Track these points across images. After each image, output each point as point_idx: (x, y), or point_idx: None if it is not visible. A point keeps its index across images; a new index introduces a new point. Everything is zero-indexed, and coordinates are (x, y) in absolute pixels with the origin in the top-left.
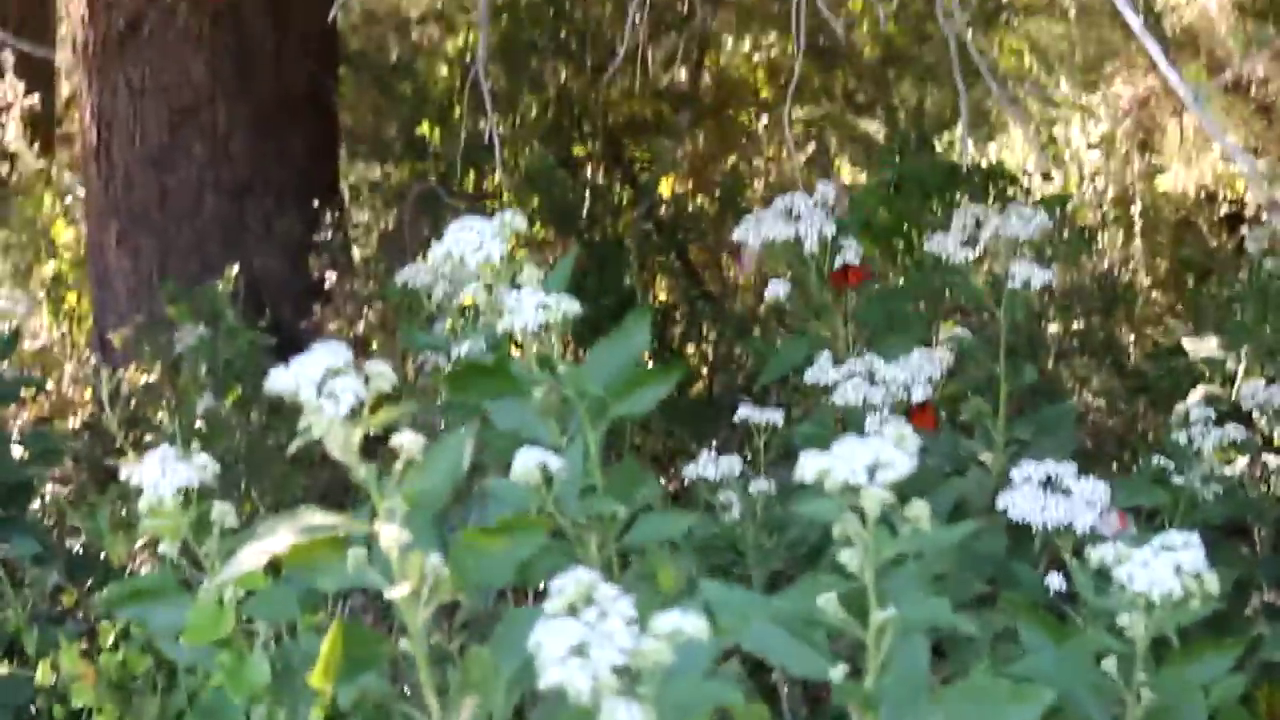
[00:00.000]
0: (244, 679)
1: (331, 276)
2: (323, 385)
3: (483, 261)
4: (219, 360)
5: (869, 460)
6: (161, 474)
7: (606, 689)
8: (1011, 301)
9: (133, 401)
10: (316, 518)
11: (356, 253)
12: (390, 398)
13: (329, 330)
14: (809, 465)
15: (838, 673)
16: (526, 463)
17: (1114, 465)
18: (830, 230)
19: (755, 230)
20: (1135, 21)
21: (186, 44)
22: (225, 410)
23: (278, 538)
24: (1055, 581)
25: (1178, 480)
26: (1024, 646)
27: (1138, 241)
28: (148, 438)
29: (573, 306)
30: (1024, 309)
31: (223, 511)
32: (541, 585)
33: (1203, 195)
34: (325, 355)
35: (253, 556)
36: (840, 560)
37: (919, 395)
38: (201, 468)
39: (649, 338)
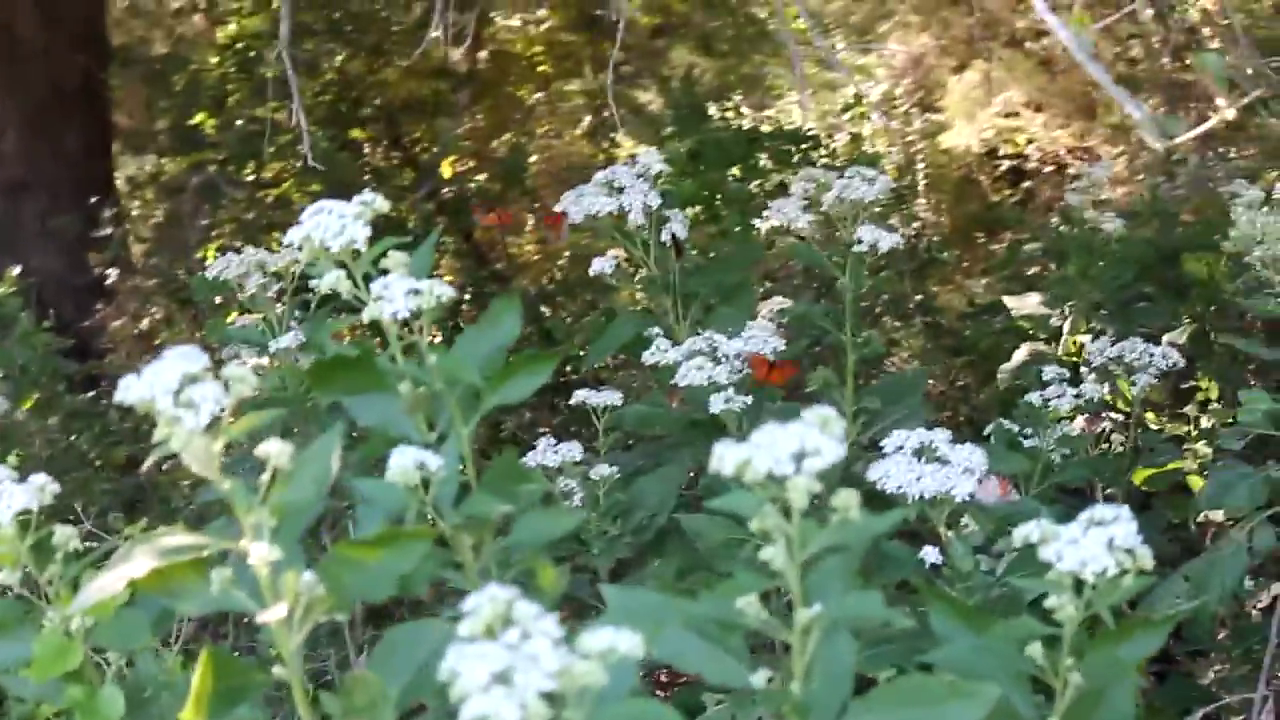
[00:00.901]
0: (97, 713)
1: (112, 273)
2: (179, 394)
3: (345, 246)
4: (13, 365)
5: (794, 448)
6: None
7: (535, 718)
8: (857, 266)
9: None
10: (178, 538)
11: (136, 248)
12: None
13: (113, 328)
14: (727, 457)
15: (759, 679)
16: (403, 462)
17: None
18: (655, 201)
19: (577, 203)
20: None
21: None
22: (21, 416)
23: (136, 562)
24: (930, 555)
25: (1029, 443)
26: (938, 637)
27: (923, 201)
28: None
29: (446, 291)
30: (865, 275)
31: (65, 536)
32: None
33: (984, 151)
34: (181, 361)
35: (111, 583)
36: (763, 558)
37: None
38: (39, 489)
39: (519, 323)
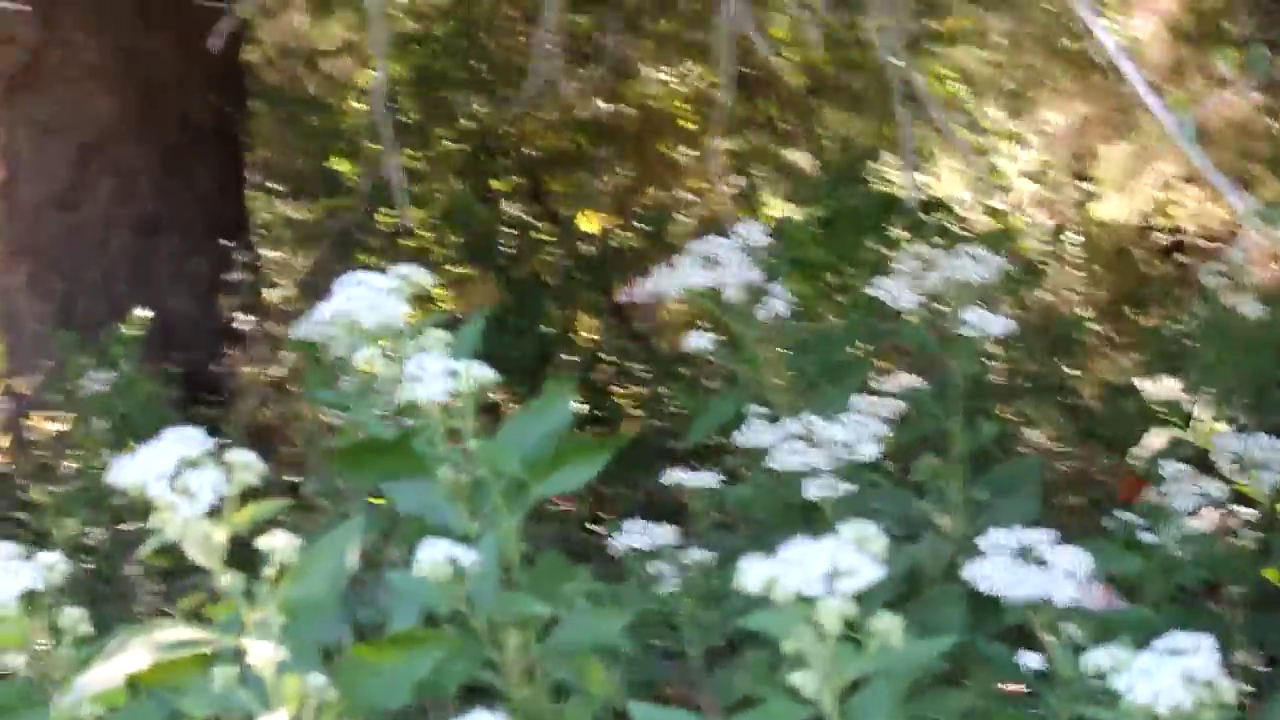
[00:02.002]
0: None
1: (244, 318)
2: (176, 479)
3: (379, 323)
4: (115, 412)
5: (825, 566)
6: (2, 575)
7: None
8: (965, 349)
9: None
10: (176, 631)
11: (271, 294)
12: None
13: (242, 375)
14: (752, 573)
15: None
16: (433, 556)
17: (1069, 517)
18: (756, 277)
19: (670, 278)
20: (1111, 44)
21: (91, 80)
22: None
23: (132, 655)
24: (1030, 660)
25: (1148, 538)
26: None
27: (1073, 273)
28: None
29: (485, 374)
30: (976, 358)
31: (73, 619)
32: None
33: (1140, 224)
34: (178, 444)
35: (104, 675)
36: (793, 682)
37: (866, 454)
38: (48, 568)
39: (570, 410)
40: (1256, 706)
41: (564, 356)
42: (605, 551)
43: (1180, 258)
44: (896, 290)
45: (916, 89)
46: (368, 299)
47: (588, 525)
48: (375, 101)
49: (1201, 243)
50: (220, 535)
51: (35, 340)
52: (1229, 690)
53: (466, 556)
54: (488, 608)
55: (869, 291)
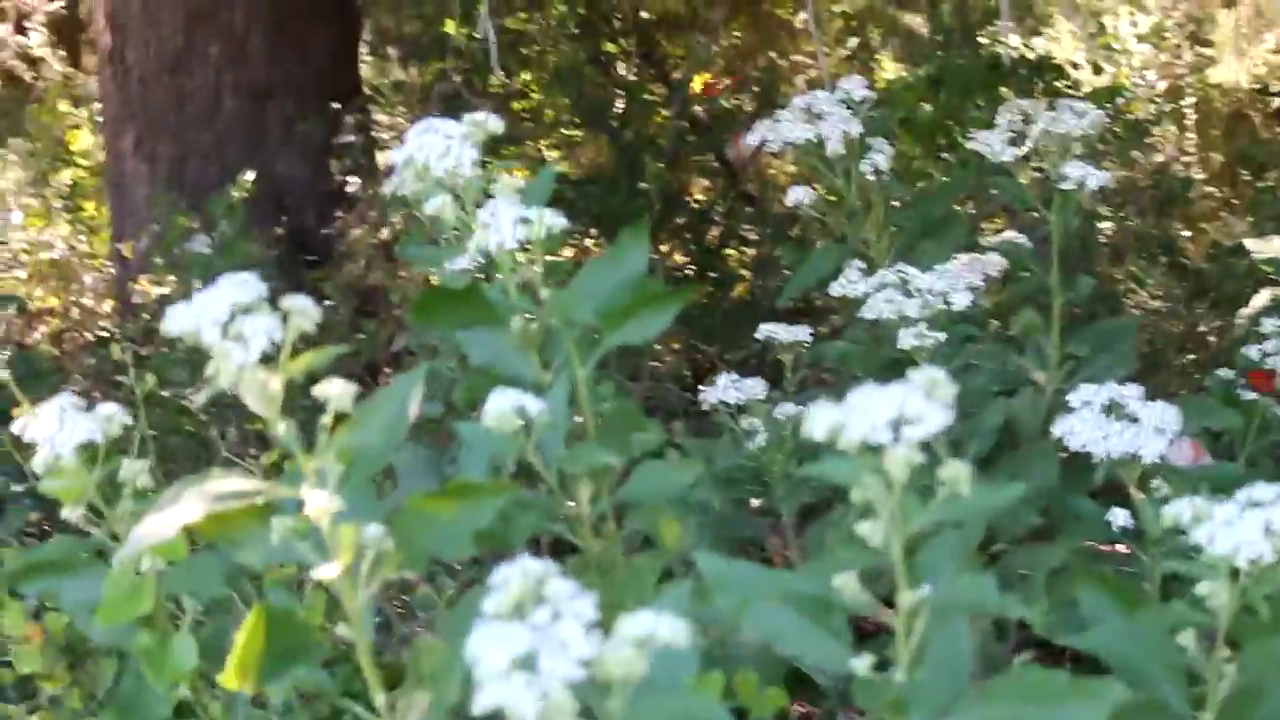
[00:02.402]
0: (166, 663)
1: (354, 181)
2: (229, 326)
3: (451, 169)
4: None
5: (892, 414)
6: (59, 427)
7: (558, 712)
8: (1064, 205)
9: (145, 315)
10: (231, 482)
11: (381, 157)
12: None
13: (351, 237)
14: (818, 419)
15: (862, 664)
16: (500, 406)
17: (1176, 377)
18: (856, 130)
19: (773, 131)
20: None
21: None
22: None
23: (186, 506)
24: (1119, 517)
25: (1248, 396)
26: (1086, 618)
27: (1190, 136)
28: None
29: (558, 221)
30: (1077, 213)
31: (133, 470)
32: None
33: (1255, 87)
34: (232, 289)
35: (158, 527)
36: (859, 532)
37: (960, 304)
38: (107, 419)
39: (647, 255)
40: None
41: (678, 219)
42: (700, 409)
43: None
44: (996, 144)
45: None
46: (438, 146)
47: (691, 386)
48: None
49: None
50: (276, 383)
51: (144, 204)
52: None
53: (535, 406)
54: (556, 458)
55: (969, 145)
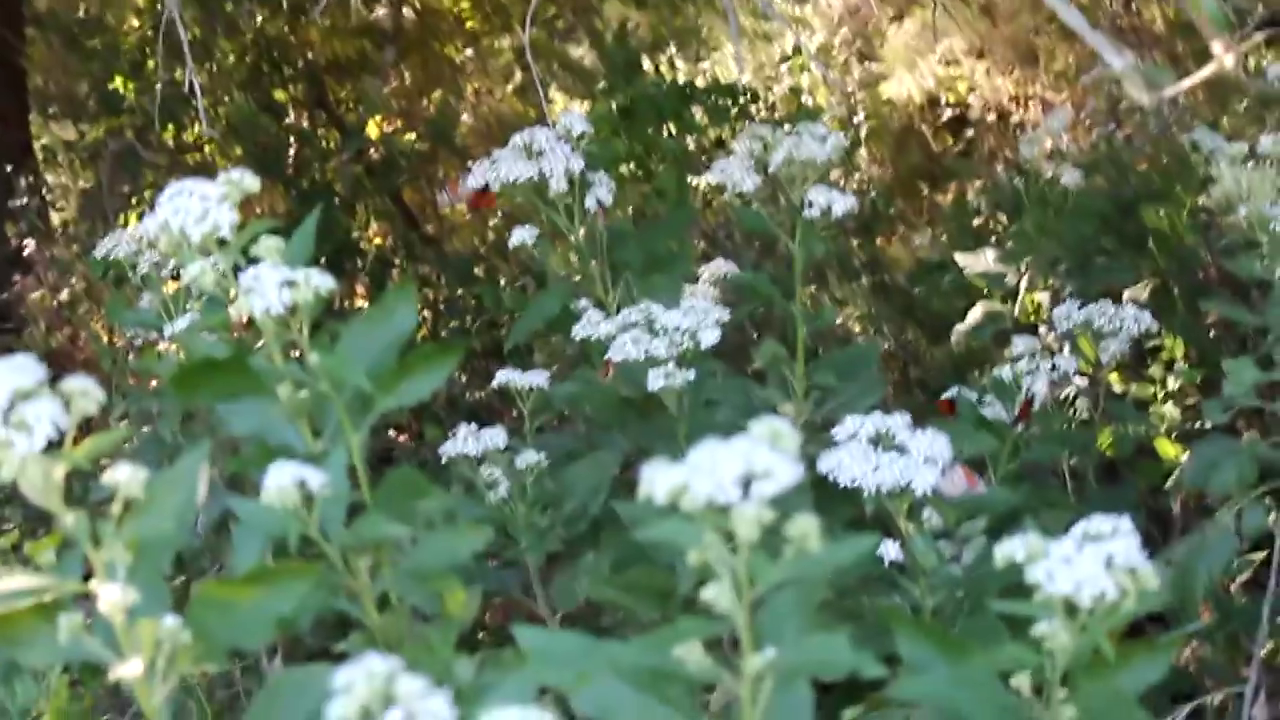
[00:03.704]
0: None
1: (30, 244)
2: (10, 413)
3: (208, 233)
4: None
5: (740, 469)
6: None
7: None
8: (807, 232)
9: None
10: (16, 580)
11: (55, 217)
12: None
13: (31, 300)
14: (659, 481)
15: None
16: (280, 480)
17: (897, 397)
18: (578, 165)
19: (492, 171)
20: None
21: None
22: None
23: None
24: (890, 551)
25: (991, 415)
26: (908, 664)
27: (862, 152)
28: None
29: (325, 282)
30: (818, 240)
31: None
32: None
33: (925, 101)
34: (11, 374)
35: None
36: (704, 598)
37: (708, 340)
38: None
39: (414, 315)
40: None
41: (356, 264)
42: (427, 457)
43: (969, 132)
44: (736, 173)
45: None
46: (195, 209)
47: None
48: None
49: (988, 117)
50: (59, 471)
51: None
52: (1151, 575)
53: (316, 479)
54: (339, 532)
55: (708, 178)
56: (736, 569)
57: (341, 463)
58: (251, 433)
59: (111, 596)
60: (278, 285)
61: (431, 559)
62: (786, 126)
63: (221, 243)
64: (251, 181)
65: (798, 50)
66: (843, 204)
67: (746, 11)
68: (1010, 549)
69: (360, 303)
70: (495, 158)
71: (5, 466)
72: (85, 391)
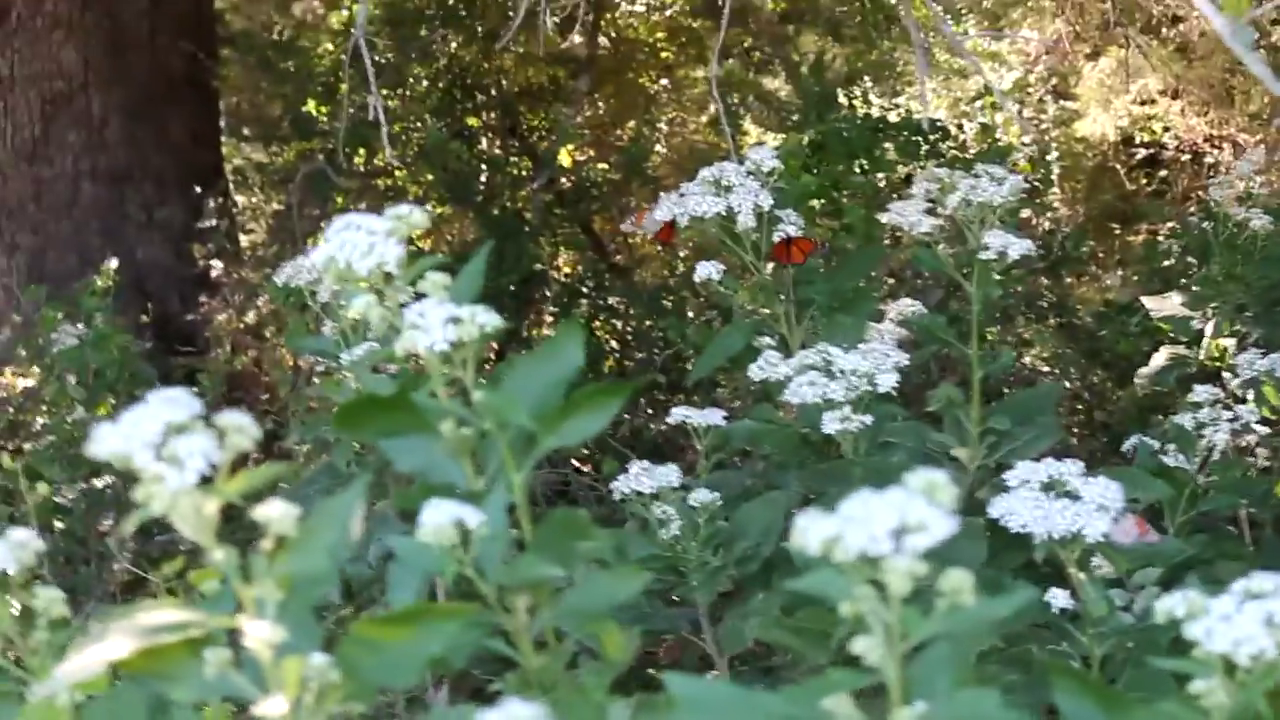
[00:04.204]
0: None
1: (217, 265)
2: (163, 447)
3: (375, 268)
4: (87, 368)
5: (894, 522)
6: None
7: None
8: (984, 275)
9: (11, 408)
10: (163, 613)
11: (244, 239)
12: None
13: (216, 323)
14: (812, 531)
15: None
16: (438, 519)
17: (1080, 440)
18: (767, 202)
19: (680, 205)
20: None
21: (56, 30)
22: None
23: (115, 640)
24: (1059, 598)
25: (1171, 462)
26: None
27: (1055, 191)
28: (27, 446)
29: (490, 319)
30: (995, 283)
31: (49, 599)
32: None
33: (1119, 140)
34: (165, 408)
35: (85, 662)
36: (855, 650)
37: (885, 384)
38: (19, 545)
39: (582, 353)
40: None
41: (546, 293)
42: (604, 492)
43: (1161, 172)
44: (912, 214)
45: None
46: (362, 243)
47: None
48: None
49: (1182, 157)
50: (212, 507)
51: (4, 297)
52: None
53: (473, 518)
54: (496, 572)
55: (884, 217)
56: (888, 621)
57: (501, 501)
58: (415, 469)
59: (259, 633)
60: (442, 321)
61: (590, 600)
62: (973, 167)
63: (388, 277)
64: (421, 217)
65: (988, 89)
66: (1019, 247)
67: (943, 46)
68: (1170, 604)
69: (548, 332)
70: (683, 191)
71: (157, 501)
72: (241, 427)
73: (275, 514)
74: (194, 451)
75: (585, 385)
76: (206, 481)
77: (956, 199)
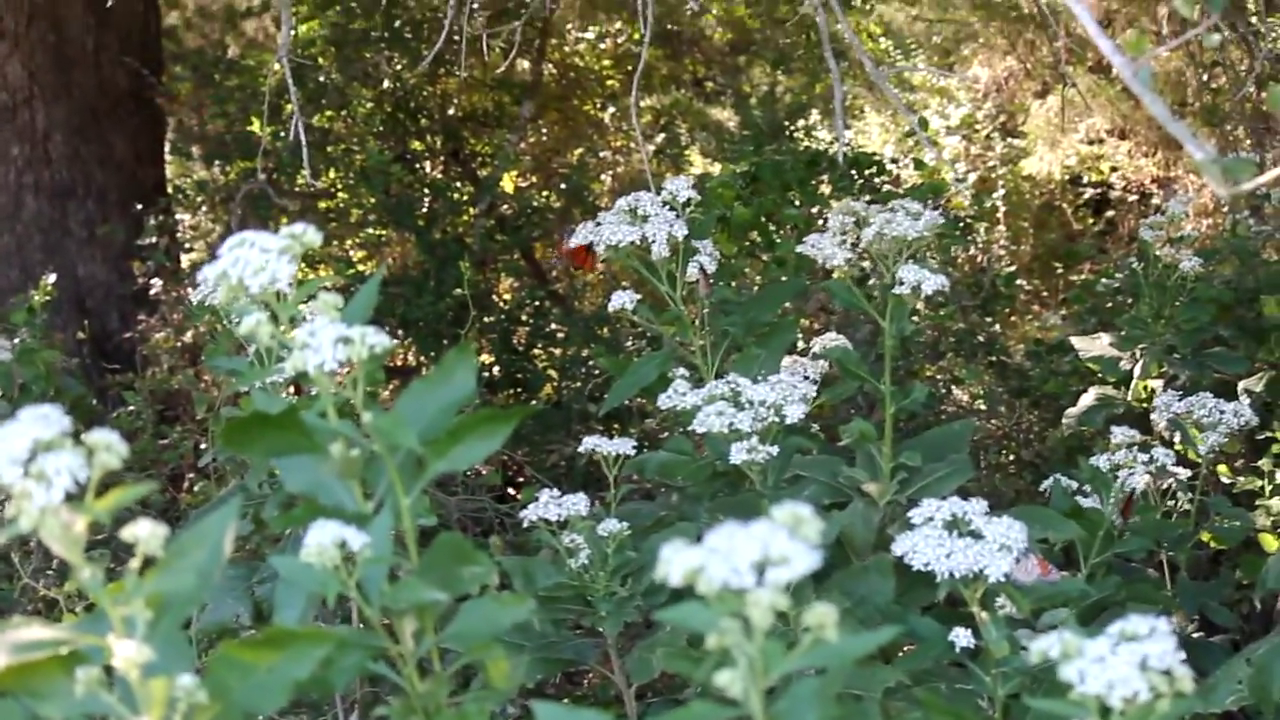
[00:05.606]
0: None
1: (157, 283)
2: (31, 464)
3: (266, 286)
4: (13, 382)
5: (755, 554)
6: None
7: None
8: (898, 309)
9: None
10: (34, 630)
11: (187, 258)
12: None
13: (154, 340)
14: (675, 563)
15: None
16: (321, 540)
17: (1001, 478)
18: (681, 231)
19: (596, 233)
20: None
21: (1, 43)
22: None
23: None
24: (961, 637)
25: (1086, 503)
26: None
27: (1000, 229)
28: None
29: (380, 340)
30: (908, 317)
31: None
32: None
33: (1066, 178)
34: (34, 425)
35: None
36: (718, 683)
37: (793, 416)
38: None
39: (473, 378)
40: (1200, 681)
41: (485, 319)
42: (516, 520)
43: (1108, 212)
44: (827, 247)
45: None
46: (255, 260)
47: (504, 492)
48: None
49: (1130, 197)
50: (80, 525)
51: None
52: (1186, 679)
53: (357, 539)
54: (380, 595)
55: (799, 249)
56: (751, 655)
57: (387, 525)
58: (304, 490)
59: (126, 652)
60: (333, 341)
61: (475, 626)
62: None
63: (279, 295)
64: (313, 236)
65: (924, 123)
66: (933, 283)
67: (895, 80)
68: (1045, 645)
69: (486, 358)
70: (599, 219)
71: (24, 517)
72: (109, 445)
73: (143, 534)
74: (61, 469)
75: (472, 413)
76: (77, 499)
77: (871, 233)
